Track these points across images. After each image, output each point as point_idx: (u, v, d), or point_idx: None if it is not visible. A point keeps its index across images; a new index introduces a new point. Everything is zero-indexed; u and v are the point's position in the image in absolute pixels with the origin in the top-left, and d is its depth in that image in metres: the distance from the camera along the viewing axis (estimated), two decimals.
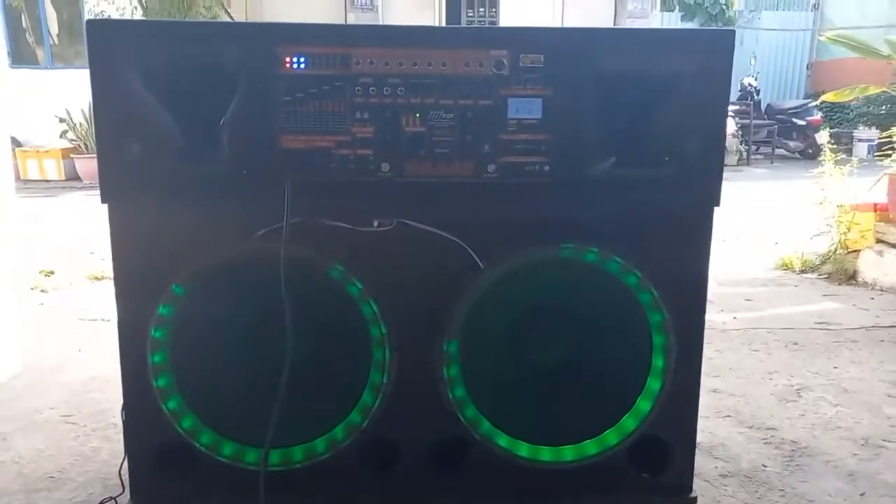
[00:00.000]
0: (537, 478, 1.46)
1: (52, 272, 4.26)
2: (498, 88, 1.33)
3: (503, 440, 1.45)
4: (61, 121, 9.05)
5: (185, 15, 8.70)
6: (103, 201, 1.35)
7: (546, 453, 1.45)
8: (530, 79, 1.33)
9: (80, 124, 9.05)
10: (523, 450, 1.45)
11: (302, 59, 1.30)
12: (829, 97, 4.31)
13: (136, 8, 9.13)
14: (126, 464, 1.46)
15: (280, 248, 1.32)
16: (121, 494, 1.57)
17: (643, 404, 1.45)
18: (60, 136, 9.16)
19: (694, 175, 1.38)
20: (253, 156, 1.33)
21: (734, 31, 1.35)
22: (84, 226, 5.70)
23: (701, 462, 1.89)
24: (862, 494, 1.80)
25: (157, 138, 1.32)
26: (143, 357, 1.37)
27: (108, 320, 3.29)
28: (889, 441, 2.09)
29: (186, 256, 1.35)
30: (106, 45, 1.28)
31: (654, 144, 1.38)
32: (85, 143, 9.01)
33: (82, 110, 8.95)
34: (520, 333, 1.44)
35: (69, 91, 8.81)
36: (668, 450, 1.48)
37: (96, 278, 4.17)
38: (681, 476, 1.50)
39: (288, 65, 1.30)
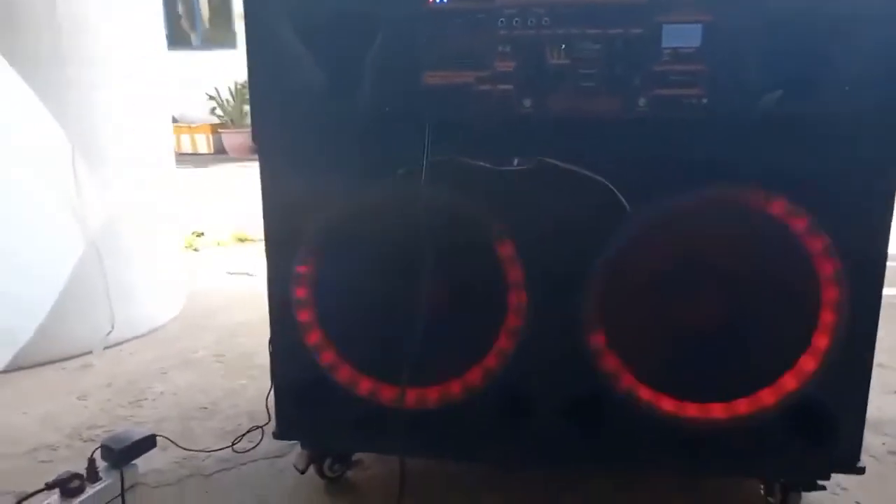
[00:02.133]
0: (683, 436, 1.37)
1: (202, 233, 4.60)
2: (652, 14, 1.23)
3: (646, 394, 1.37)
4: (210, 98, 9.71)
5: None
6: (253, 140, 1.40)
7: (692, 409, 1.36)
8: (689, 2, 1.22)
9: (227, 101, 9.67)
10: (666, 404, 1.36)
11: None
12: None
13: None
14: (272, 395, 1.52)
15: (419, 187, 1.31)
16: (266, 424, 1.66)
17: (807, 363, 1.31)
18: (210, 113, 9.83)
19: (878, 108, 1.21)
20: (395, 94, 1.33)
21: None
22: (230, 193, 6.11)
23: (867, 437, 1.70)
24: None
25: (302, 77, 1.34)
26: (288, 292, 1.42)
27: (253, 275, 3.50)
28: None
29: (331, 194, 1.37)
30: None
31: (830, 74, 1.22)
32: (231, 119, 9.61)
33: (229, 88, 9.55)
34: (669, 281, 1.35)
35: (218, 71, 9.43)
36: (832, 415, 1.33)
37: (241, 240, 4.45)
38: (848, 445, 1.35)
39: None
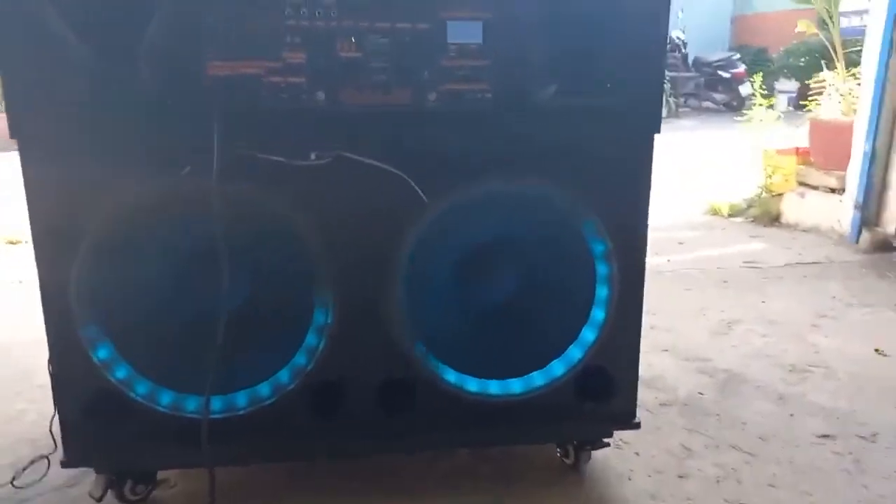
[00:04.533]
0: (487, 411, 1.46)
1: None
2: (436, 11, 1.27)
3: (451, 376, 1.43)
4: None
5: None
6: (12, 136, 1.23)
7: (494, 386, 1.45)
8: (469, 0, 1.28)
9: None
10: (472, 384, 1.44)
11: None
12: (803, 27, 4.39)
13: None
14: (56, 420, 1.37)
15: (212, 184, 1.24)
16: (52, 452, 1.49)
17: (588, 334, 1.46)
18: None
19: (635, 103, 1.37)
20: (176, 83, 1.24)
21: None
22: None
23: (641, 393, 1.92)
24: (791, 415, 1.90)
25: (70, 63, 1.21)
26: (68, 303, 1.28)
27: (24, 282, 3.11)
28: (814, 366, 2.20)
29: (110, 193, 1.26)
30: None
31: (595, 72, 1.36)
32: None
33: None
34: (465, 267, 1.42)
35: None
36: (612, 379, 1.50)
37: (11, 242, 3.95)
38: (625, 404, 1.53)
39: None
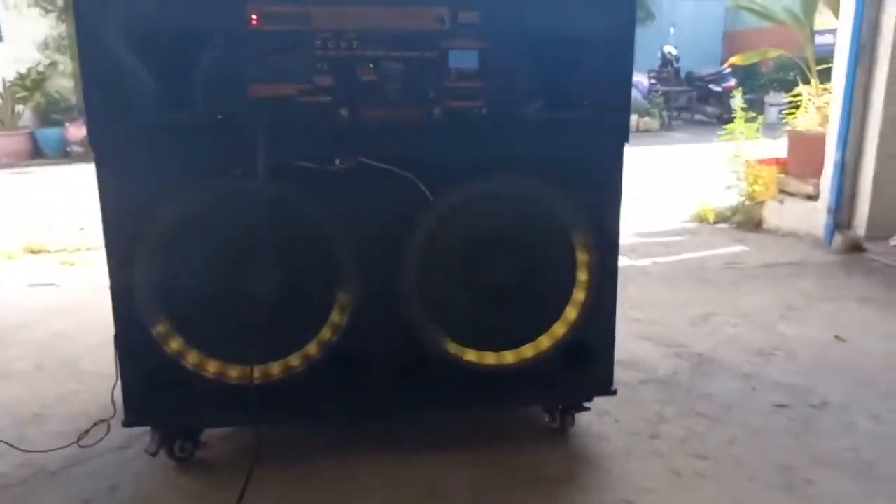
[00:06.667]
0: (485, 380, 1.71)
1: None
2: (440, 41, 1.54)
3: (453, 348, 1.68)
4: None
5: None
6: (91, 147, 1.49)
7: (491, 358, 1.71)
8: (468, 33, 1.55)
9: None
10: (470, 355, 1.69)
11: (267, 17, 1.48)
12: (734, 60, 4.72)
13: None
14: (118, 388, 1.62)
15: (256, 185, 1.50)
16: (111, 418, 1.73)
17: (570, 313, 1.71)
18: None
19: (607, 115, 1.64)
20: (226, 104, 1.51)
21: None
22: (8, 202, 5.59)
23: (623, 373, 2.19)
24: (753, 389, 2.15)
25: (138, 90, 1.47)
26: (132, 288, 1.54)
27: (58, 285, 3.37)
28: (778, 350, 2.45)
29: (170, 194, 1.52)
30: (91, 4, 1.42)
31: (573, 91, 1.63)
32: (2, 121, 8.65)
33: None
34: (465, 255, 1.68)
35: None
36: (591, 352, 1.75)
37: (34, 251, 4.17)
38: (603, 374, 1.78)
39: (255, 22, 1.48)
